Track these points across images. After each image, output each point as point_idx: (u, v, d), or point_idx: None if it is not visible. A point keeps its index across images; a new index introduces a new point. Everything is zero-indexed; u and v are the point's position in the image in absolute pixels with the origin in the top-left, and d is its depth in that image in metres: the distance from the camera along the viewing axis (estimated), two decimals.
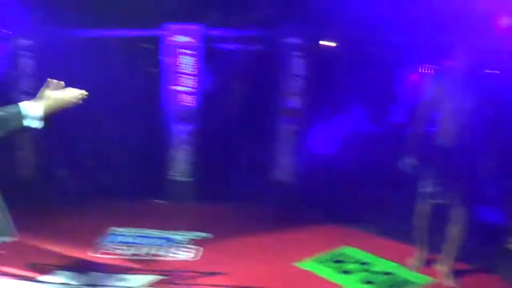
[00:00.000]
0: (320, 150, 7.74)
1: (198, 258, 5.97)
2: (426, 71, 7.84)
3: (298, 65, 7.26)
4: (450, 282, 5.41)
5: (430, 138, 5.31)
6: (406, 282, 5.56)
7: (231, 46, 8.42)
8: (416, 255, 5.74)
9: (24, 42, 7.41)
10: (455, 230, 5.40)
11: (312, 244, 6.29)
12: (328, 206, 7.22)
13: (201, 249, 6.15)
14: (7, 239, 3.41)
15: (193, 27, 7.34)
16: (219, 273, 5.57)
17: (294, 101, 7.31)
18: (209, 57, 7.65)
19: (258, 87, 8.25)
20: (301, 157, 7.38)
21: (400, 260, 5.94)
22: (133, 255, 5.96)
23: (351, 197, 7.27)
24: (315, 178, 7.62)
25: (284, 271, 5.70)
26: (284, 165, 7.34)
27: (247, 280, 5.45)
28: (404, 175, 5.45)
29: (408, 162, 5.33)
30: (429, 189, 5.34)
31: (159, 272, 5.53)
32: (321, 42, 7.89)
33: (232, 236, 6.46)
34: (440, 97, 5.22)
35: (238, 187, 7.64)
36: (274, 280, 5.51)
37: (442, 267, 5.52)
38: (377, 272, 5.73)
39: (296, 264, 5.83)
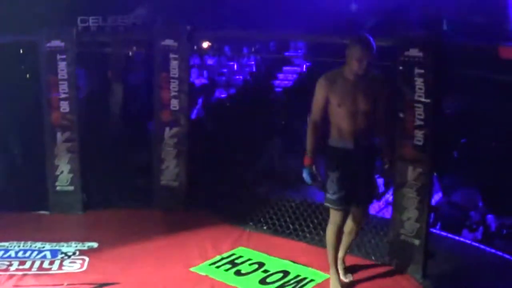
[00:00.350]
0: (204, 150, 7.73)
1: (86, 269, 5.73)
2: None
3: (175, 67, 7.14)
4: (348, 276, 5.50)
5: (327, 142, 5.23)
6: (304, 279, 5.61)
7: (107, 50, 8.19)
8: (337, 269, 5.47)
9: None
10: (354, 227, 5.43)
11: (206, 247, 6.20)
12: (217, 206, 7.19)
13: (89, 259, 5.91)
14: None
15: (65, 31, 7.05)
16: (110, 284, 5.39)
17: (174, 103, 7.19)
18: (86, 61, 7.43)
19: (136, 91, 8.10)
20: (187, 160, 7.26)
21: (292, 257, 6.00)
22: (17, 270, 5.64)
23: (238, 196, 7.27)
24: (202, 178, 7.56)
25: (180, 278, 5.60)
26: (170, 170, 7.21)
27: None
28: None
29: (309, 172, 5.18)
30: (337, 195, 5.17)
31: (46, 287, 5.31)
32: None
33: (121, 244, 6.24)
34: (334, 99, 5.09)
35: (125, 193, 7.43)
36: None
37: (341, 264, 5.53)
38: (273, 272, 5.75)
39: (193, 269, 5.74)
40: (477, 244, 6.14)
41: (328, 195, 5.21)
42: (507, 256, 5.89)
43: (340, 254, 5.48)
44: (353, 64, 4.98)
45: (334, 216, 5.25)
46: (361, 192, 5.26)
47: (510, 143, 6.63)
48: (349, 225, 5.41)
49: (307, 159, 5.18)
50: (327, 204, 5.27)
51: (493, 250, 6.02)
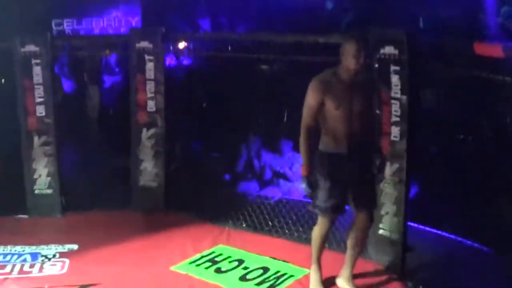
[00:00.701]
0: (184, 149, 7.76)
1: (66, 271, 5.73)
2: None
3: (151, 69, 7.16)
4: (352, 286, 5.32)
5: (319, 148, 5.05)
6: (284, 275, 5.66)
7: (83, 53, 8.20)
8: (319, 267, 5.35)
9: None
10: (360, 236, 5.23)
11: (186, 246, 6.23)
12: (196, 205, 7.21)
13: (69, 261, 5.91)
14: None
15: (40, 35, 7.04)
16: (91, 285, 5.39)
17: (151, 105, 7.20)
18: (62, 64, 7.43)
19: (113, 93, 8.10)
20: (165, 161, 7.28)
21: (272, 254, 6.05)
22: None
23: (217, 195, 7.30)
24: (180, 179, 7.58)
25: (161, 277, 5.62)
26: (148, 170, 7.23)
27: None
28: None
29: (307, 182, 5.00)
30: (326, 203, 5.01)
31: None
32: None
33: (101, 245, 6.24)
34: (331, 101, 4.88)
35: (104, 195, 7.42)
36: (152, 287, 5.43)
37: (344, 273, 5.36)
38: (253, 268, 5.78)
39: (173, 268, 5.76)
40: (455, 237, 6.20)
41: (318, 203, 5.05)
42: (485, 249, 5.97)
43: (346, 272, 5.32)
44: (349, 61, 4.80)
45: (321, 222, 5.15)
46: (360, 198, 5.10)
47: (485, 139, 6.71)
48: (352, 237, 5.25)
49: (304, 168, 4.98)
50: (315, 210, 5.15)
51: (469, 242, 6.08)
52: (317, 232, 5.22)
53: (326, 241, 5.35)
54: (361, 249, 5.35)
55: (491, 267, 5.73)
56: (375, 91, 5.40)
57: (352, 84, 4.89)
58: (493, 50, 5.23)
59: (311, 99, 4.90)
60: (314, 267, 5.32)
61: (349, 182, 5.01)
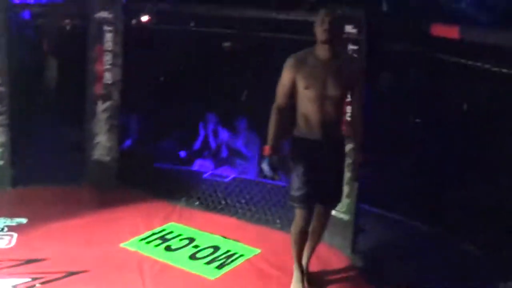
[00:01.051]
0: (135, 127, 7.65)
1: (13, 245, 5.60)
2: None
3: (109, 40, 7.04)
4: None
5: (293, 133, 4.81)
6: (234, 254, 5.64)
7: (42, 21, 8.02)
8: (300, 265, 5.07)
9: None
10: (318, 228, 5.05)
11: (137, 223, 6.17)
12: (149, 182, 7.13)
13: (17, 235, 5.78)
14: None
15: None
16: (38, 260, 5.30)
17: (107, 77, 7.09)
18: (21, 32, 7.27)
19: (69, 64, 7.94)
20: (119, 135, 7.18)
21: (223, 233, 6.04)
22: None
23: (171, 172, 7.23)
24: (133, 155, 7.49)
25: (110, 254, 5.53)
26: (102, 144, 7.12)
27: (70, 265, 5.23)
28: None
29: (268, 163, 4.74)
30: (301, 191, 4.72)
31: None
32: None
33: (51, 220, 6.12)
34: (301, 80, 4.62)
35: (56, 168, 7.27)
36: (100, 263, 5.34)
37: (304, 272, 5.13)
38: (203, 247, 5.75)
39: (123, 245, 5.70)
40: (403, 218, 6.23)
41: (292, 192, 4.76)
42: (433, 230, 6.02)
43: (304, 260, 5.10)
44: (317, 33, 4.54)
45: (298, 215, 4.81)
46: (329, 190, 4.84)
47: (441, 123, 6.72)
48: (312, 229, 5.00)
49: (267, 148, 4.67)
50: (290, 202, 4.84)
51: (419, 224, 6.13)
52: (293, 229, 4.90)
53: (308, 238, 4.99)
54: (319, 240, 5.17)
55: (439, 248, 5.79)
56: (360, 75, 4.84)
57: (329, 63, 4.59)
58: (450, 31, 5.21)
59: (283, 77, 4.67)
60: (295, 265, 5.04)
61: (320, 173, 4.72)
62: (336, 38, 4.62)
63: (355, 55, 5.27)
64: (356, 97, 4.79)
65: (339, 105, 4.68)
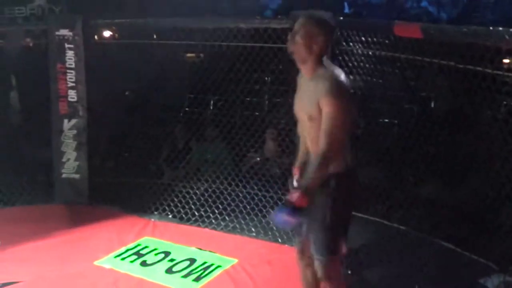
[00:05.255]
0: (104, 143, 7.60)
1: None
2: None
3: (71, 57, 7.02)
4: None
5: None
6: (211, 265, 5.61)
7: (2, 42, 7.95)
8: None
9: None
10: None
11: (111, 240, 6.12)
12: (120, 197, 7.07)
13: None
14: None
15: None
16: (12, 283, 5.21)
17: (72, 94, 7.06)
18: None
19: (34, 83, 7.87)
20: (87, 152, 7.12)
21: (199, 244, 6.01)
22: None
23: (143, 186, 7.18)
24: (104, 170, 7.43)
25: (84, 272, 5.47)
26: (70, 162, 7.07)
27: (46, 286, 5.20)
28: None
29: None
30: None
31: None
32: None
33: (23, 241, 6.02)
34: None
35: (26, 188, 7.19)
36: (75, 283, 5.28)
37: None
38: (179, 260, 5.71)
39: (97, 262, 5.64)
40: (378, 219, 6.24)
41: (332, 241, 4.05)
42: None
43: None
44: None
45: (337, 264, 4.16)
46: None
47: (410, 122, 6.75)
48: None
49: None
50: (327, 256, 4.05)
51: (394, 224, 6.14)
52: (336, 280, 4.15)
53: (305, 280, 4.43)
54: None
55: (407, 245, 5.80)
56: (329, 94, 3.77)
57: (310, 80, 3.90)
58: (412, 30, 5.24)
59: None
60: None
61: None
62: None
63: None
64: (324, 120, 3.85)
65: (315, 132, 3.90)
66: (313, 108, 3.80)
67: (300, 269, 4.36)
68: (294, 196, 3.81)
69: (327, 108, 3.73)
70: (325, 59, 3.93)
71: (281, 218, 3.79)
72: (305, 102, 3.89)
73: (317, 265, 4.06)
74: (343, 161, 3.91)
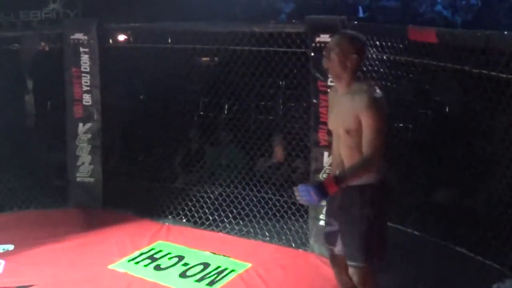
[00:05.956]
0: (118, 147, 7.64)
1: (2, 272, 5.54)
2: None
3: (86, 61, 7.06)
4: None
5: None
6: (225, 269, 5.61)
7: (18, 46, 8.01)
8: None
9: None
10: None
11: (124, 244, 6.13)
12: (135, 201, 7.11)
13: (4, 262, 5.72)
14: None
15: None
16: (27, 286, 5.25)
17: (86, 98, 7.10)
18: None
19: (49, 87, 7.93)
20: (102, 156, 7.16)
21: (212, 249, 6.02)
22: None
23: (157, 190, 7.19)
24: (118, 174, 7.45)
25: (98, 276, 5.49)
26: (85, 166, 7.11)
27: None
28: None
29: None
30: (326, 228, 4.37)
31: None
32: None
33: (38, 245, 6.07)
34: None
35: (41, 192, 7.23)
36: (89, 286, 5.31)
37: None
38: (193, 264, 5.72)
39: (111, 266, 5.66)
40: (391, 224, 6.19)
41: (372, 252, 4.12)
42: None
43: None
44: None
45: (374, 274, 4.22)
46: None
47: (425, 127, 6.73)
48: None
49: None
50: (367, 265, 4.13)
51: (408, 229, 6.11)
52: None
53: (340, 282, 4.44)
54: None
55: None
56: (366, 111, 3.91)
57: (345, 95, 4.03)
58: (427, 35, 5.22)
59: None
60: None
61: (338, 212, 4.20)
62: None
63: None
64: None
65: (351, 145, 4.06)
66: (351, 122, 3.94)
67: (335, 274, 4.45)
68: (327, 180, 4.03)
69: (368, 120, 3.89)
70: (358, 75, 4.10)
71: (307, 191, 3.90)
72: (342, 116, 4.01)
73: (352, 271, 4.15)
74: (378, 173, 4.06)
